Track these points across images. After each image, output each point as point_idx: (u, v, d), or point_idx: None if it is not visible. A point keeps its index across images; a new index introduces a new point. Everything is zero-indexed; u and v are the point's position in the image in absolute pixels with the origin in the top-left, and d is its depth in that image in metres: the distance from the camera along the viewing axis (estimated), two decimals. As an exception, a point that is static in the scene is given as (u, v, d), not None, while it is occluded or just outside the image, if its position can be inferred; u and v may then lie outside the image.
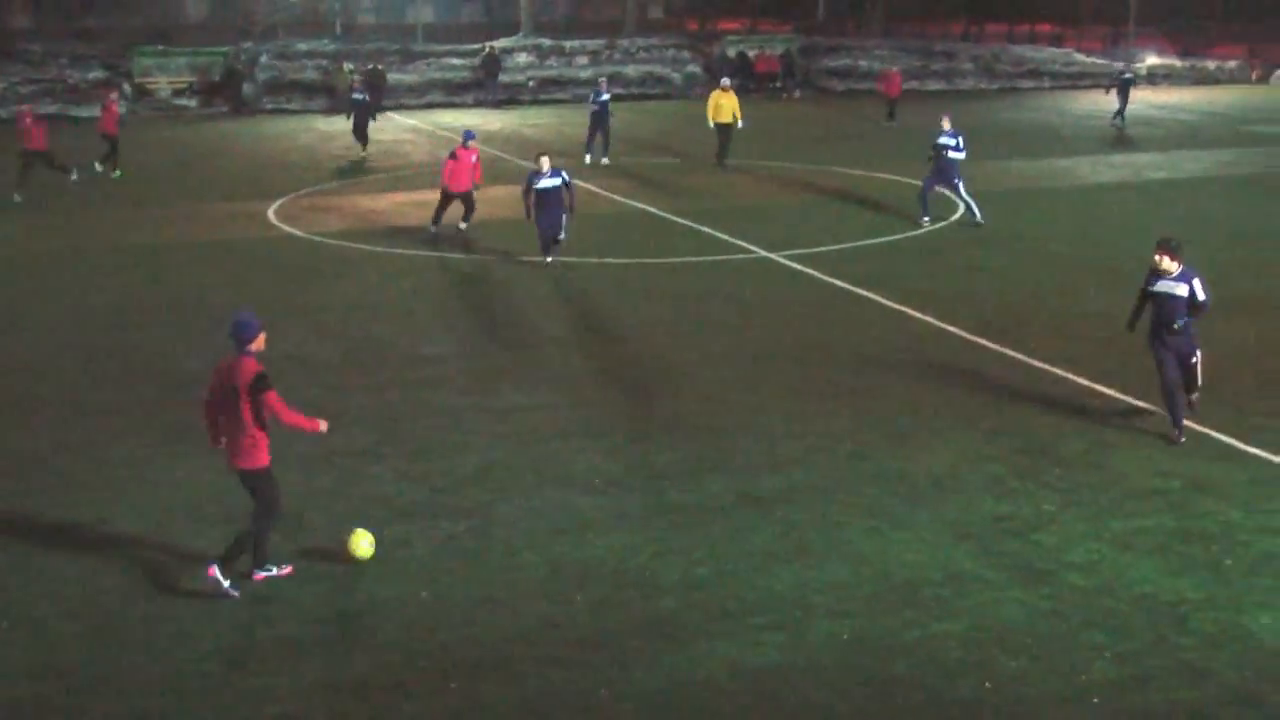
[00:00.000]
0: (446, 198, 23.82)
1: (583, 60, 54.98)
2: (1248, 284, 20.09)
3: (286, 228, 25.34)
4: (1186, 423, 13.58)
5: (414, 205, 27.38)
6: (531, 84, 52.82)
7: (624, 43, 56.94)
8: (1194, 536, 11.36)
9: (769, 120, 42.75)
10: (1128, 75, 43.66)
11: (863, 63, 58.37)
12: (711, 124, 32.82)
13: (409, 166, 33.71)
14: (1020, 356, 16.55)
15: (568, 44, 56.05)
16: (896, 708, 8.74)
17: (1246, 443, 13.49)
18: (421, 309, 19.12)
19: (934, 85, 57.23)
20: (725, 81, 33.90)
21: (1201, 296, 13.00)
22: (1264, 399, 14.93)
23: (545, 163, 21.07)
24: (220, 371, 10.37)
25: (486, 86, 50.87)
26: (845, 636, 9.61)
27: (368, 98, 36.63)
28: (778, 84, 55.19)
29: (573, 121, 43.89)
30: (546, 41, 56.29)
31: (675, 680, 9.06)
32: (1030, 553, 11.01)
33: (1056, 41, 70.84)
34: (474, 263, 22.24)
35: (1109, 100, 44.43)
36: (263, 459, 10.28)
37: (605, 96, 33.72)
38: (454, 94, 51.63)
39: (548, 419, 14.34)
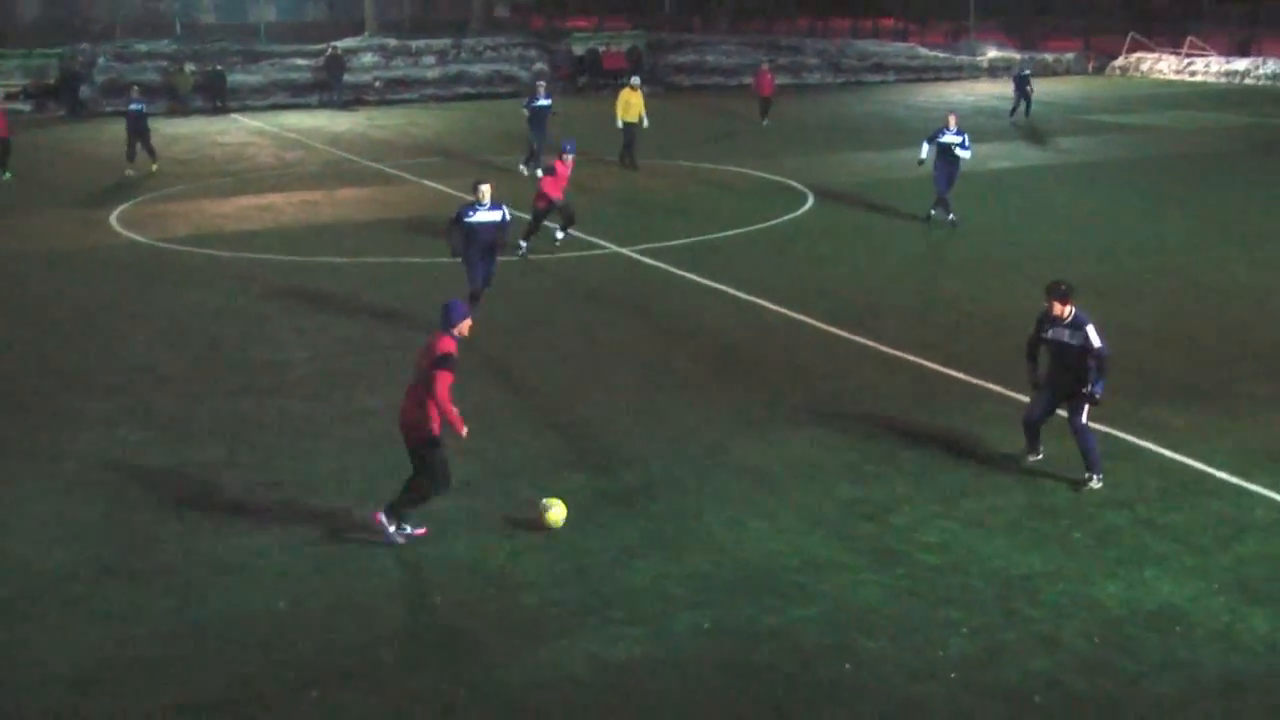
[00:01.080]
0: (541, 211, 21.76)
1: (429, 60, 54.50)
2: (1088, 268, 20.63)
3: (130, 234, 24.68)
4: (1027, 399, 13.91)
5: (260, 209, 26.91)
6: (378, 84, 52.23)
7: (470, 42, 56.58)
8: (1043, 512, 11.66)
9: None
10: (1026, 72, 44.50)
11: (710, 58, 58.77)
12: (620, 123, 31.95)
13: (255, 170, 33.06)
14: (872, 344, 16.82)
15: (414, 44, 55.49)
16: (757, 694, 8.81)
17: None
18: (272, 314, 18.76)
19: (781, 80, 57.75)
20: (635, 80, 33.21)
21: (1096, 344, 12.09)
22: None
23: (486, 192, 17.57)
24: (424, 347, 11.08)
25: (332, 87, 50.16)
26: (705, 626, 9.66)
27: (144, 108, 33.25)
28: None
29: (420, 123, 43.61)
30: (392, 41, 55.66)
31: (537, 678, 9.02)
32: (885, 535, 11.19)
33: (900, 36, 72.05)
34: (324, 267, 21.88)
35: (951, 92, 45.35)
36: (433, 430, 10.81)
37: (546, 101, 31.14)
38: (299, 95, 50.74)
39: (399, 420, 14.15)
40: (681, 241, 23.06)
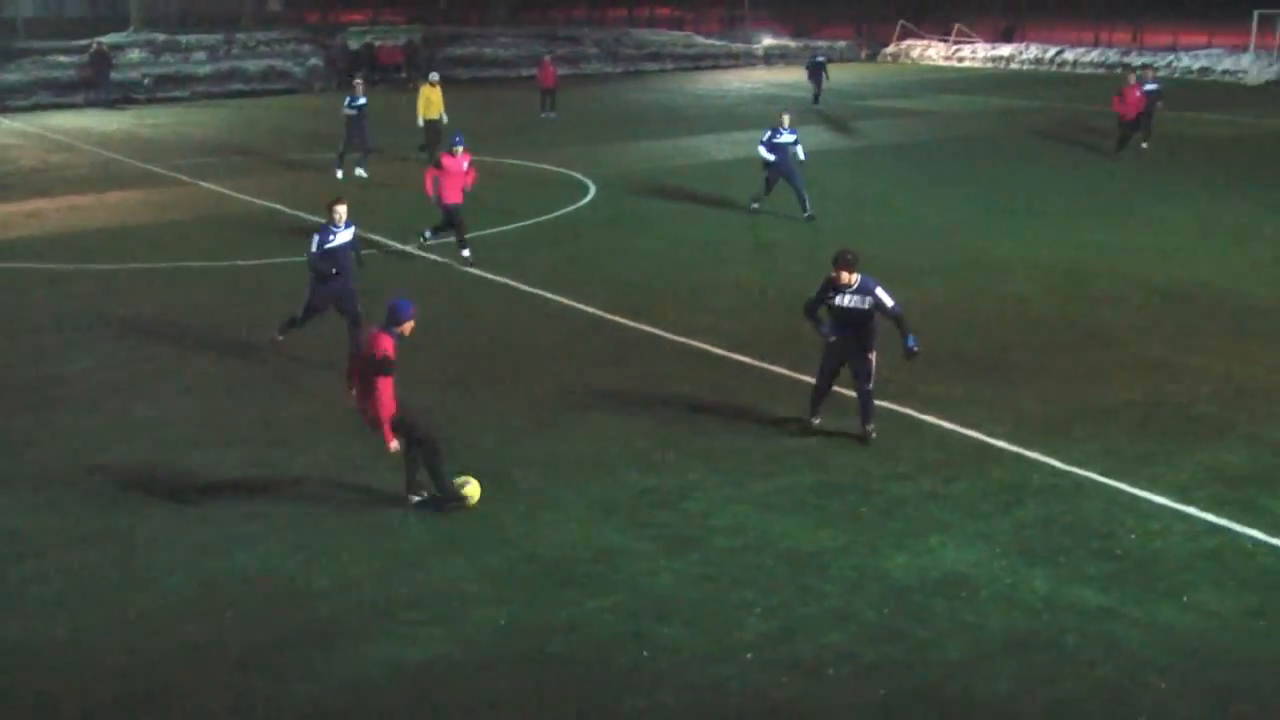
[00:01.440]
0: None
1: (200, 56, 52.99)
2: (872, 248, 21.06)
3: (-120, 247, 23.37)
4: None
5: (25, 216, 25.74)
6: (147, 81, 50.56)
7: (243, 37, 55.22)
8: (831, 489, 11.90)
9: (405, 111, 42.27)
10: (820, 59, 45.19)
11: (488, 50, 58.54)
12: (421, 120, 31.22)
13: (17, 174, 31.62)
14: (657, 331, 16.94)
15: (183, 39, 53.91)
16: (555, 687, 8.77)
17: (875, 397, 14.19)
18: (45, 325, 17.94)
19: (561, 70, 57.88)
20: (434, 76, 32.33)
21: (889, 303, 12.63)
22: (886, 355, 15.74)
23: (342, 212, 15.54)
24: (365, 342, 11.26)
25: (98, 85, 48.35)
26: (502, 622, 9.58)
27: None
28: (403, 74, 54.73)
29: (193, 121, 42.37)
30: (160, 37, 53.95)
31: (334, 686, 8.82)
32: (678, 521, 11.27)
33: (676, 25, 72.92)
34: (96, 274, 21.02)
35: (728, 79, 46.00)
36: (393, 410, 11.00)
37: (362, 100, 29.65)
38: (63, 94, 48.75)
39: (182, 432, 13.71)
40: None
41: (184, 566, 10.60)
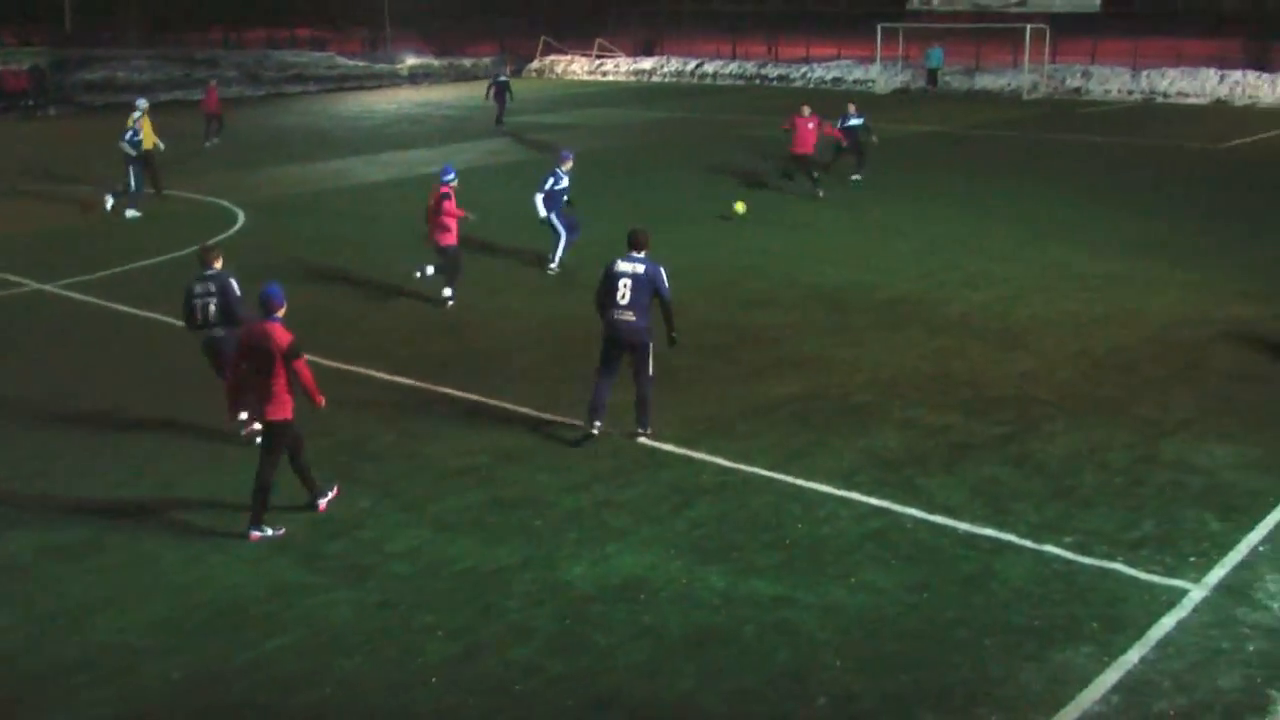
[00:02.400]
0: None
1: None
2: (524, 266, 21.19)
3: None
4: (488, 400, 14.14)
5: None
6: None
7: None
8: (506, 505, 11.85)
9: (34, 141, 40.06)
10: (503, 79, 44.55)
11: (121, 74, 56.03)
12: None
13: None
14: (318, 359, 16.47)
15: None
16: (237, 735, 8.40)
17: (544, 410, 14.26)
18: None
19: (200, 94, 56.02)
20: (142, 103, 29.66)
21: (665, 285, 13.15)
22: (558, 366, 15.86)
23: (218, 258, 13.81)
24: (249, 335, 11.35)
25: None
26: (176, 676, 9.08)
27: None
28: (30, 102, 51.67)
29: None
30: None
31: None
32: (353, 551, 10.99)
33: (318, 46, 71.60)
34: None
35: (375, 101, 45.44)
36: (287, 411, 11.27)
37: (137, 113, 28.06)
38: None
39: None
40: (108, 272, 21.71)
41: None
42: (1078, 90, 53.81)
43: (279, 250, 23.29)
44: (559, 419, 13.97)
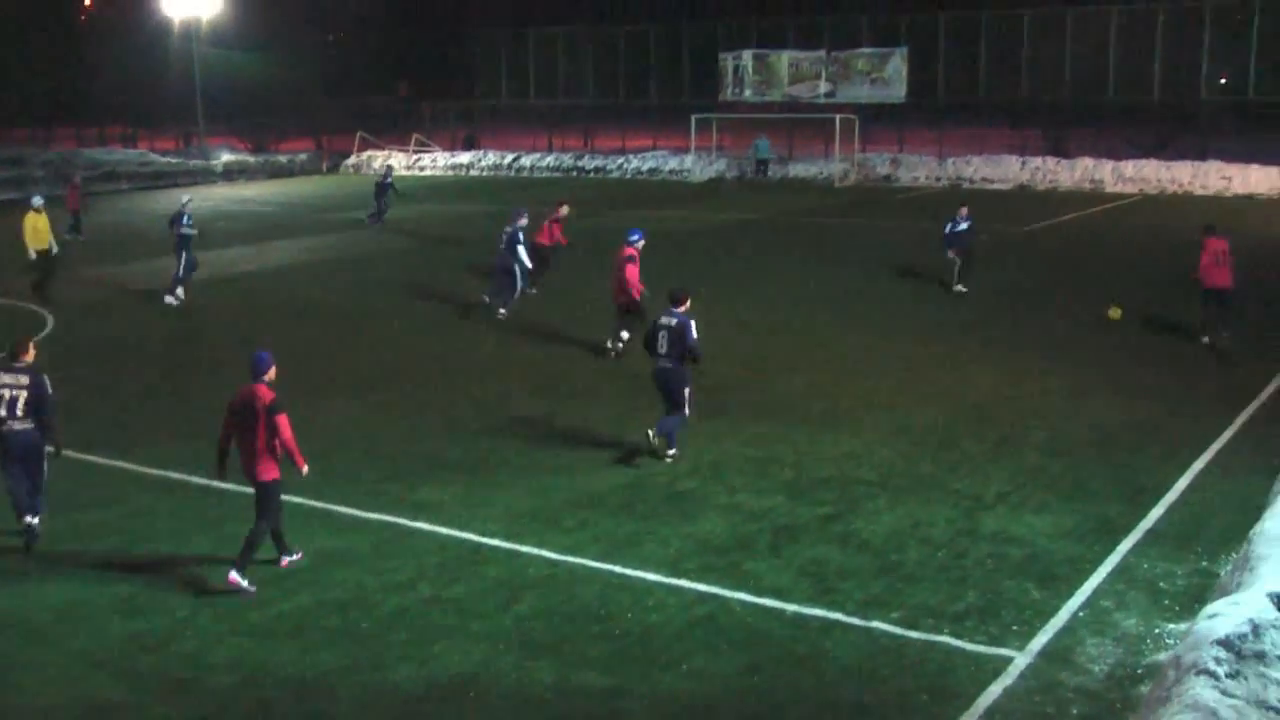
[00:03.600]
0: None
1: None
2: (349, 361, 20.91)
3: None
4: (309, 501, 13.84)
5: None
6: None
7: None
8: (331, 608, 11.56)
9: None
10: (388, 180, 43.32)
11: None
12: (32, 253, 27.25)
13: None
14: (129, 466, 15.94)
15: None
16: None
17: (366, 509, 14.00)
18: None
19: (6, 195, 54.40)
20: (38, 200, 28.18)
21: (694, 336, 15.62)
22: (373, 467, 15.61)
23: (29, 352, 13.18)
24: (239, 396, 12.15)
25: None
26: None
27: None
28: None
29: None
30: None
31: None
32: (171, 664, 10.57)
33: (130, 142, 70.12)
34: None
35: (228, 193, 44.41)
36: (274, 473, 12.00)
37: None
38: None
39: None
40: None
41: None
42: (888, 177, 55.51)
43: (77, 354, 22.55)
44: (380, 516, 13.73)
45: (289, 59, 70.20)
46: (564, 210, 27.84)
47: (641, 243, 21.04)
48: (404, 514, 13.81)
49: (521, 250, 24.52)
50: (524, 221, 24.92)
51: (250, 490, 12.24)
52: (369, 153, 68.17)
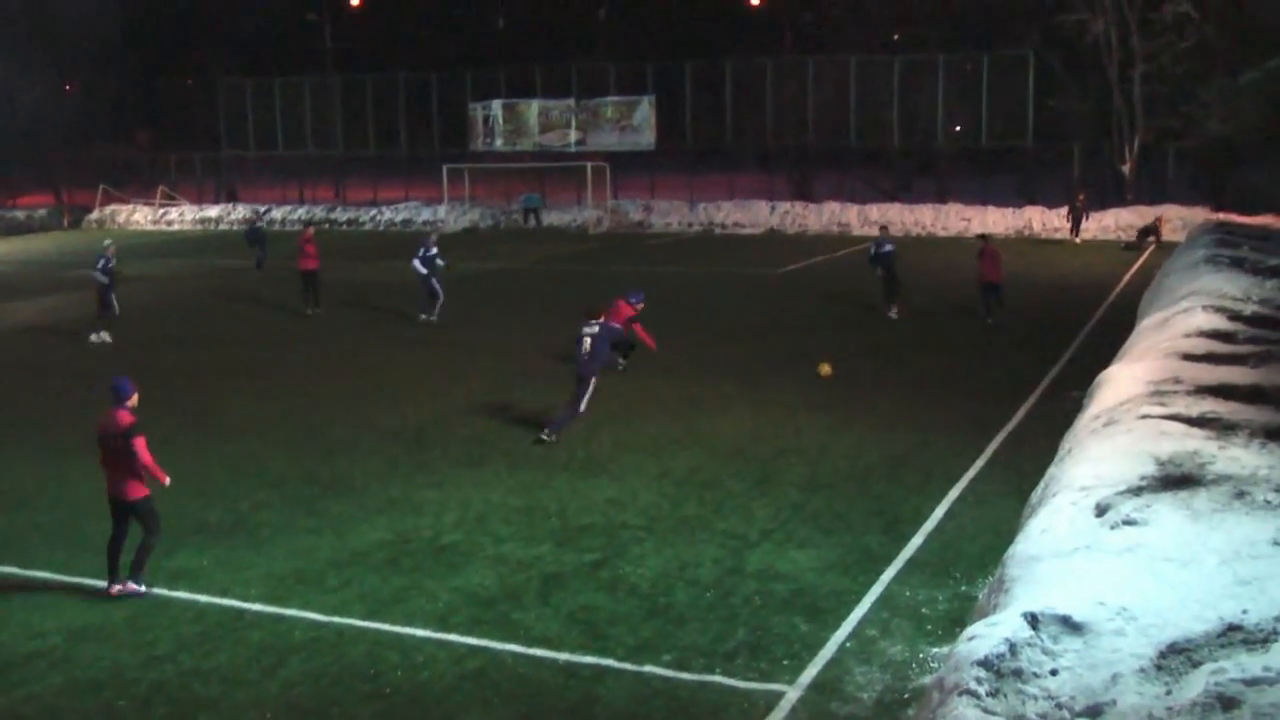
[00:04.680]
0: None
1: None
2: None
3: None
4: (58, 575, 13.16)
5: None
6: None
7: None
8: (84, 688, 10.98)
9: None
10: (259, 226, 40.92)
11: None
12: None
13: None
14: None
15: None
16: None
17: (165, 586, 13.41)
18: None
19: None
20: None
21: (616, 334, 20.06)
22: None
23: None
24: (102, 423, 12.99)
25: None
26: None
27: None
28: None
29: None
30: None
31: None
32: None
33: None
34: None
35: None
36: (140, 491, 12.84)
37: None
38: None
39: None
40: None
41: None
42: (641, 223, 56.34)
43: None
44: (134, 588, 13.15)
45: (22, 108, 67.33)
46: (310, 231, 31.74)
47: (641, 305, 22.86)
48: (160, 583, 13.25)
49: (418, 264, 29.67)
50: (435, 239, 31.04)
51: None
52: (113, 207, 65.92)
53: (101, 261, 28.85)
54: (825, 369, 22.76)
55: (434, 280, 29.68)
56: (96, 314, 28.91)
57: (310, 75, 69.37)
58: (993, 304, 28.37)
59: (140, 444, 12.72)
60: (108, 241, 29.56)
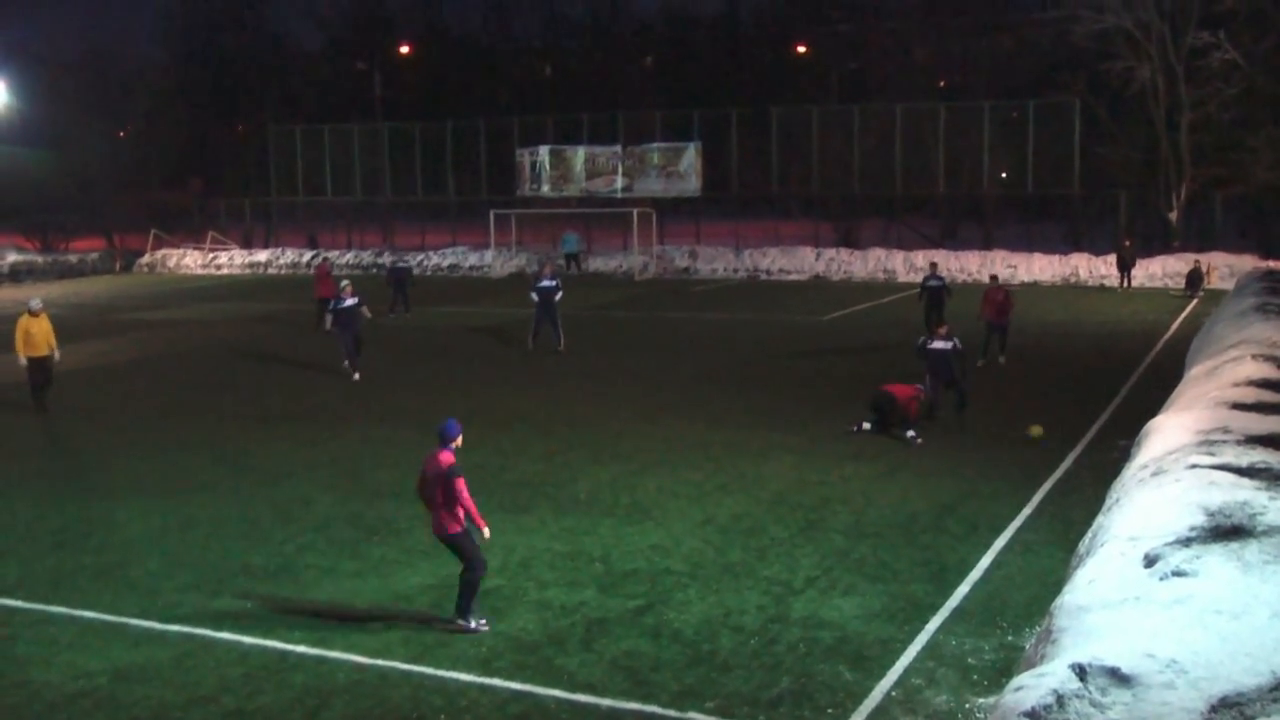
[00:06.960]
0: None
1: None
2: (148, 475, 20.20)
3: None
4: (105, 616, 13.24)
5: None
6: None
7: None
8: (126, 728, 11.03)
9: None
10: (401, 265, 41.51)
11: None
12: (23, 359, 25.24)
13: None
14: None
15: None
16: None
17: (165, 621, 13.48)
18: None
19: None
20: (35, 304, 25.70)
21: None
22: (171, 577, 15.05)
23: None
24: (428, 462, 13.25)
25: None
26: None
27: None
28: None
29: None
30: None
31: None
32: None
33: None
34: None
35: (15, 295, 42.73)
36: (455, 527, 13.02)
37: None
38: None
39: None
40: None
41: None
42: (686, 270, 56.47)
43: None
44: (179, 628, 13.22)
45: (77, 154, 68.41)
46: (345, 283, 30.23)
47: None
48: (205, 625, 13.32)
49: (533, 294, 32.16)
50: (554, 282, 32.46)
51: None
52: (164, 251, 66.73)
53: (333, 304, 29.36)
54: (1036, 430, 21.59)
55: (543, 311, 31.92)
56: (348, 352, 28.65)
57: (360, 124, 70.13)
58: (996, 343, 29.26)
59: (460, 484, 12.88)
60: (345, 283, 29.64)
